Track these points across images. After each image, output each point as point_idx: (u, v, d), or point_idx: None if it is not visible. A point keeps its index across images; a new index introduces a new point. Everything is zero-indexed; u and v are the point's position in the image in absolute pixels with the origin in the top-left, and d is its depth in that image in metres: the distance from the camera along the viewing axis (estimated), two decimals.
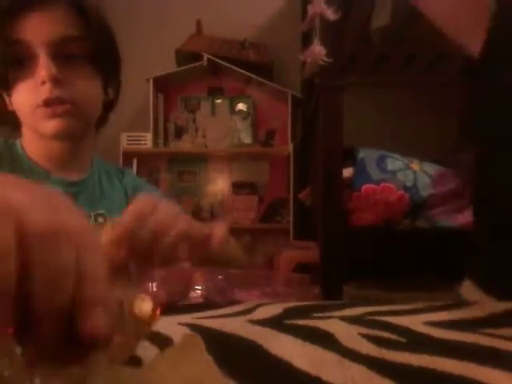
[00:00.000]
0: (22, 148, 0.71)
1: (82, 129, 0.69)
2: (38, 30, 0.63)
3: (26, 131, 0.71)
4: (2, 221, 0.18)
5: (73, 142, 0.70)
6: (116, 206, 0.75)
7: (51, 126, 0.64)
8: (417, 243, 1.40)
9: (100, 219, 0.73)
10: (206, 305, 0.39)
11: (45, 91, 0.62)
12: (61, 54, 0.63)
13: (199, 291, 0.41)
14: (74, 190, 0.72)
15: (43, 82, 0.62)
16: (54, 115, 0.64)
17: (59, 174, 0.71)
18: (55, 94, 0.62)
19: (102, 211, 0.73)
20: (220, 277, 0.40)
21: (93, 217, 0.72)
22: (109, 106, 0.76)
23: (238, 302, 0.38)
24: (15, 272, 0.18)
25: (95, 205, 0.73)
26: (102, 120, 0.77)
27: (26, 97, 0.64)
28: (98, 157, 0.81)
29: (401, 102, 2.11)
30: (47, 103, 0.63)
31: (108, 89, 0.73)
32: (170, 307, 0.36)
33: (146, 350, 0.25)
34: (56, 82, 0.62)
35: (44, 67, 0.61)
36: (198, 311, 0.35)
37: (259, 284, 0.43)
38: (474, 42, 0.56)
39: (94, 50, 0.66)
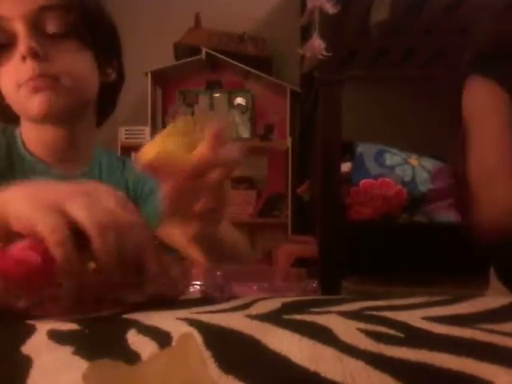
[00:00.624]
0: (21, 137, 0.68)
1: (72, 108, 0.64)
2: (14, 3, 0.58)
3: (22, 120, 0.67)
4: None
5: (66, 126, 0.66)
6: None
7: (36, 103, 0.59)
8: (415, 238, 1.40)
9: None
10: (205, 300, 0.39)
11: (27, 69, 0.58)
12: (41, 26, 0.59)
13: (198, 287, 0.41)
14: None
15: (23, 58, 0.58)
16: (37, 89, 0.59)
17: (59, 167, 0.67)
18: (37, 71, 0.58)
19: None
20: (218, 273, 0.40)
21: None
22: (111, 88, 0.70)
23: (236, 297, 0.38)
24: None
25: None
26: (106, 105, 0.73)
27: (9, 78, 0.60)
28: (98, 146, 0.77)
29: (400, 97, 2.11)
30: (30, 80, 0.59)
31: (107, 69, 0.68)
32: (169, 301, 0.37)
33: (144, 346, 0.25)
34: (37, 56, 0.58)
35: (23, 42, 0.57)
36: (197, 306, 0.35)
37: (257, 279, 0.43)
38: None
39: (78, 20, 0.61)
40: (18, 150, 0.67)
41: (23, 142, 0.68)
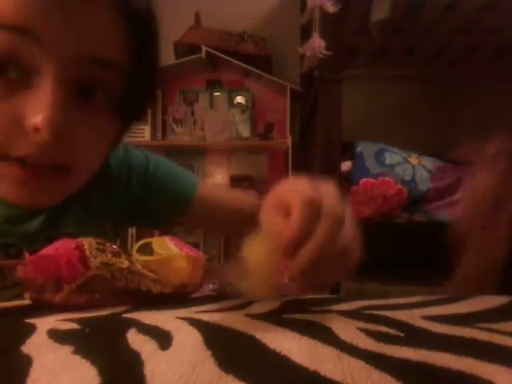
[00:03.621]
0: None
1: (63, 197, 0.45)
2: (57, 31, 0.36)
3: None
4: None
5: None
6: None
7: (16, 193, 0.40)
8: (415, 237, 1.41)
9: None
10: (205, 298, 0.39)
11: (31, 143, 0.37)
12: (80, 85, 0.39)
13: (212, 285, 0.42)
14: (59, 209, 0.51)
15: (36, 130, 0.36)
16: (26, 181, 0.39)
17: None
18: (47, 155, 0.38)
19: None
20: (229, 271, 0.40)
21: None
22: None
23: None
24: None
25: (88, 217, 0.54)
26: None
27: None
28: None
29: (400, 96, 2.11)
30: (23, 162, 0.38)
31: (124, 133, 0.49)
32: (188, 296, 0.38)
33: (145, 345, 0.25)
34: (58, 136, 0.37)
35: (46, 107, 0.36)
36: (197, 305, 0.35)
37: None
38: None
39: (133, 91, 0.41)
40: None
41: None
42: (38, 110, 0.36)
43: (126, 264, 0.35)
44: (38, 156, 0.38)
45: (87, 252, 0.34)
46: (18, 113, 0.37)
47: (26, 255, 0.33)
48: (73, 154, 0.40)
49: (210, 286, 0.41)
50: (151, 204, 0.62)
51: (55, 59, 0.36)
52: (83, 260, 0.34)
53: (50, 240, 0.36)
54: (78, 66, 0.37)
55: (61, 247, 0.34)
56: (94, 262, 0.34)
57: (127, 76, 0.40)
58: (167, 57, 2.30)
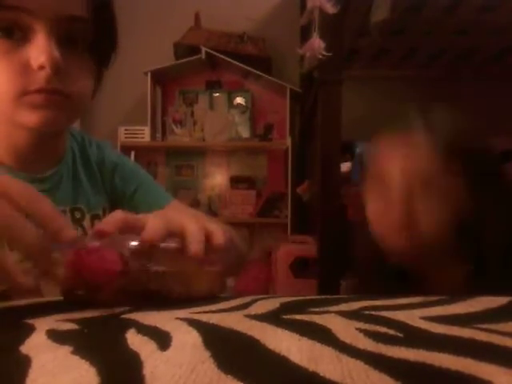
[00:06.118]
0: None
1: (66, 125, 0.61)
2: (41, 1, 0.51)
3: None
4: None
5: (48, 137, 0.61)
6: (94, 197, 0.69)
7: (37, 117, 0.54)
8: None
9: (77, 214, 0.66)
10: (204, 299, 0.39)
11: (40, 78, 0.52)
12: (63, 36, 0.53)
13: None
14: (47, 187, 0.63)
15: (41, 68, 0.51)
16: (43, 105, 0.53)
17: (24, 170, 0.60)
18: (53, 85, 0.52)
19: (80, 205, 0.66)
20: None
21: (68, 212, 0.65)
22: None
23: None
24: None
25: (74, 198, 0.66)
26: None
27: (7, 80, 0.52)
28: (74, 131, 0.72)
29: (400, 97, 2.11)
30: (40, 92, 0.53)
31: (102, 76, 0.64)
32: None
33: (144, 346, 0.25)
34: (58, 70, 0.52)
35: (45, 50, 0.51)
36: (196, 306, 0.35)
37: None
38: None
39: (99, 37, 0.57)
40: None
41: None
42: (39, 53, 0.51)
43: (161, 269, 0.37)
44: (46, 87, 0.52)
45: (126, 254, 0.36)
46: (26, 60, 0.52)
47: (72, 252, 0.35)
48: (70, 84, 0.55)
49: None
50: (136, 198, 0.73)
51: (44, 20, 0.51)
52: (123, 262, 0.35)
53: None
54: (60, 22, 0.52)
55: (101, 249, 0.35)
56: (134, 265, 0.36)
57: (94, 27, 0.56)
58: (167, 58, 2.31)
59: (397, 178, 0.65)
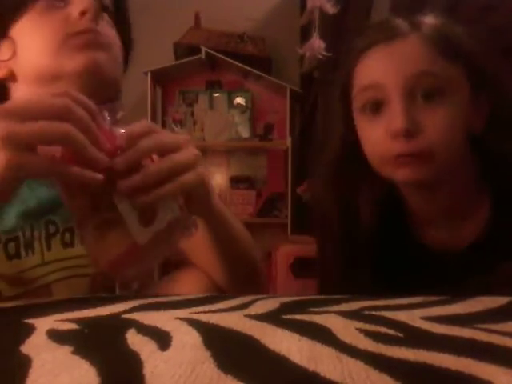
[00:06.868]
0: None
1: (112, 72, 0.61)
2: None
3: (17, 91, 0.58)
4: None
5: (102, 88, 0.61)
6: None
7: (82, 58, 0.54)
8: None
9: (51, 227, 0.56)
10: (204, 299, 0.39)
11: (82, 23, 0.55)
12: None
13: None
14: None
15: (83, 13, 0.55)
16: (88, 45, 0.55)
17: None
18: (96, 26, 0.56)
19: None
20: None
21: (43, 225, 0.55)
22: None
23: None
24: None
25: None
26: None
27: (49, 31, 0.55)
28: None
29: None
30: (83, 33, 0.56)
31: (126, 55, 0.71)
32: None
33: (144, 345, 0.25)
34: (98, 14, 0.57)
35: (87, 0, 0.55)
36: (196, 306, 0.35)
37: None
38: None
39: (120, 34, 0.64)
40: None
41: None
42: (80, 2, 0.55)
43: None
44: (90, 26, 0.55)
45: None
46: (66, 15, 0.56)
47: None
48: (108, 37, 0.59)
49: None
50: None
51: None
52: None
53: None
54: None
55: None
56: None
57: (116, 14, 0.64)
58: (167, 58, 2.30)
59: (397, 87, 0.58)
